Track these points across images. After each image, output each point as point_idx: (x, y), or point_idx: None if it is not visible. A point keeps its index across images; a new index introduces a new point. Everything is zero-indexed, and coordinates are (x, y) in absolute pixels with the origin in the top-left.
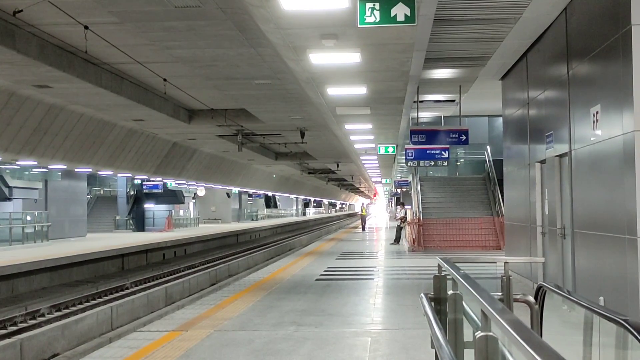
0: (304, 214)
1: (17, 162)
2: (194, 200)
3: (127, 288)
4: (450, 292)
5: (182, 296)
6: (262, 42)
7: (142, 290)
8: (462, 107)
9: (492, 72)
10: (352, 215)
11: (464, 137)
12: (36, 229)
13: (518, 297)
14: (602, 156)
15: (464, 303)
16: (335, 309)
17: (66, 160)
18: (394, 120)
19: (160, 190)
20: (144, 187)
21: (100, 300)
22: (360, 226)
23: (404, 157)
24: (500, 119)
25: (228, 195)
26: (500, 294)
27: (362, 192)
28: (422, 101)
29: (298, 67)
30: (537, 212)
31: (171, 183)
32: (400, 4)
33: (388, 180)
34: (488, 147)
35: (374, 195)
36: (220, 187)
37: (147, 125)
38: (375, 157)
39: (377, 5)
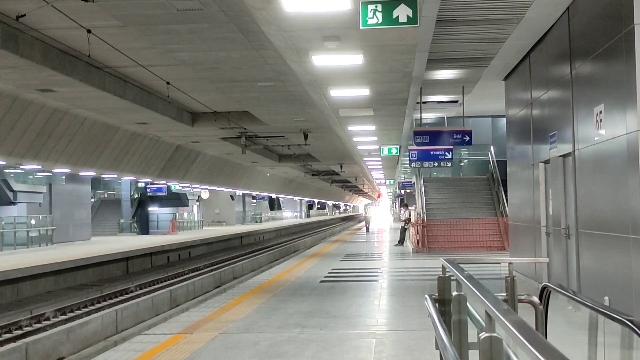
0: (308, 215)
1: (21, 166)
2: (197, 203)
3: (131, 291)
4: (454, 293)
5: (186, 299)
6: (264, 45)
7: (147, 294)
8: (466, 108)
9: (495, 72)
10: (351, 218)
11: (467, 138)
12: (41, 232)
13: (522, 297)
14: (606, 156)
15: (468, 304)
16: (340, 310)
17: (70, 163)
18: (397, 121)
19: (164, 193)
20: (148, 190)
21: (105, 303)
22: (365, 228)
23: (408, 158)
24: (504, 120)
25: (232, 197)
26: (504, 294)
27: (366, 193)
28: (425, 102)
29: (301, 69)
30: (541, 213)
31: (175, 186)
32: (403, 5)
33: (392, 181)
34: (491, 147)
35: (378, 196)
36: (224, 189)
37: (150, 128)
38: (379, 159)
39: (379, 7)
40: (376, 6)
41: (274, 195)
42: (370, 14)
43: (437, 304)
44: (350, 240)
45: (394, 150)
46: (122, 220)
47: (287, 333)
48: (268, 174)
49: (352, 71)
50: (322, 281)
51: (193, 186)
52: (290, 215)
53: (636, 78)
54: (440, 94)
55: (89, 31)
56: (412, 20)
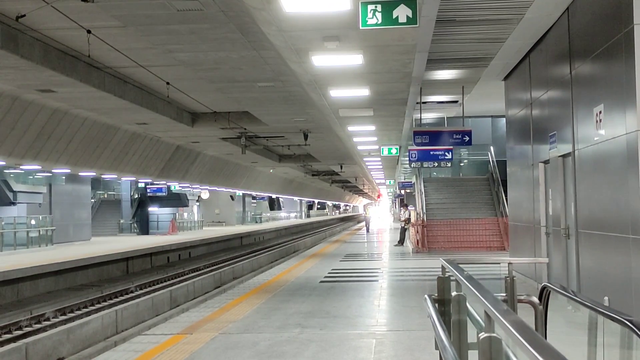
0: (308, 216)
1: (21, 167)
2: (197, 203)
3: (131, 291)
4: (454, 293)
5: (186, 299)
6: (264, 45)
7: (147, 294)
8: (465, 108)
9: (495, 72)
10: (350, 218)
11: (467, 138)
12: (41, 233)
13: (522, 298)
14: (606, 156)
15: (467, 304)
16: (340, 310)
17: (70, 164)
18: (397, 121)
19: (164, 194)
20: (148, 190)
21: (105, 303)
22: (365, 228)
23: (408, 159)
24: (504, 120)
25: (232, 197)
26: (504, 295)
27: (366, 193)
28: (425, 102)
29: (300, 70)
30: (541, 213)
31: (175, 186)
32: (402, 6)
33: (392, 181)
34: (491, 147)
35: (378, 196)
36: (224, 189)
37: (150, 129)
38: (379, 159)
39: (379, 7)
40: (376, 6)
41: (274, 196)
42: (369, 14)
43: (436, 304)
44: (350, 240)
45: (393, 151)
46: (122, 221)
47: (287, 333)
48: (271, 170)
49: (351, 71)
50: (322, 281)
51: (193, 186)
52: (284, 216)
53: (636, 78)
54: (440, 94)
55: (88, 31)
56: (411, 20)
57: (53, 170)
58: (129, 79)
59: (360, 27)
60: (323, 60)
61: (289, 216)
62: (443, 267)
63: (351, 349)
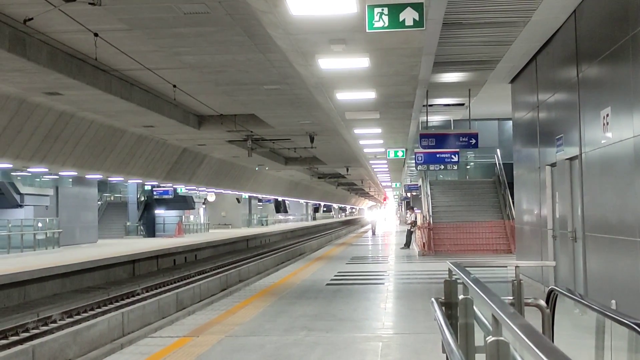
0: (314, 218)
1: (28, 169)
2: (204, 206)
3: (138, 294)
4: (461, 296)
5: (192, 302)
6: (270, 48)
7: (153, 296)
8: (472, 111)
9: (502, 75)
10: (354, 221)
11: (473, 141)
12: (47, 235)
13: (529, 301)
14: (613, 159)
15: (475, 307)
16: (346, 313)
17: (77, 166)
18: (404, 124)
19: (170, 196)
20: (155, 193)
21: (112, 306)
22: (371, 231)
23: (414, 161)
24: (510, 122)
25: (238, 200)
26: (511, 298)
27: (372, 196)
28: (431, 105)
29: (307, 72)
30: (547, 216)
31: (181, 189)
32: (409, 9)
33: (398, 184)
34: (498, 150)
35: (384, 199)
36: (230, 192)
37: (157, 131)
38: (385, 162)
39: (386, 10)
40: (382, 9)
41: (280, 198)
42: (376, 17)
43: (443, 308)
44: (356, 243)
45: (400, 153)
46: (128, 223)
47: (293, 336)
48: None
49: (358, 74)
50: (328, 284)
51: (199, 189)
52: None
53: None
54: (447, 97)
55: (95, 34)
56: (418, 23)
57: (60, 173)
58: (135, 82)
59: (367, 30)
60: (329, 63)
61: (290, 219)
62: (450, 270)
63: (357, 352)
